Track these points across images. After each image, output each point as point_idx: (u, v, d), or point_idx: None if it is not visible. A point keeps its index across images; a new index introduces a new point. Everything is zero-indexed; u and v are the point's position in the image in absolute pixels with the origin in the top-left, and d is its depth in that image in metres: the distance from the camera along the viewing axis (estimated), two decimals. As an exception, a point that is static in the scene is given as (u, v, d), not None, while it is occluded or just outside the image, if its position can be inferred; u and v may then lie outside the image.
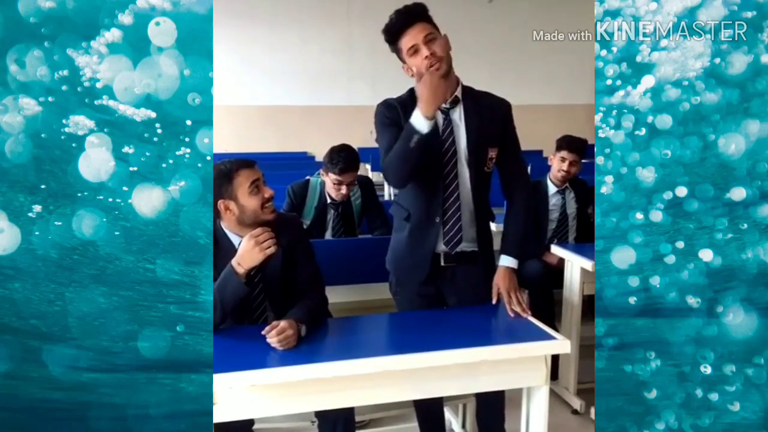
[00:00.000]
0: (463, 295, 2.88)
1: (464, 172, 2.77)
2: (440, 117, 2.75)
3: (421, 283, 2.85)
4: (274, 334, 2.36)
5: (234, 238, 2.68)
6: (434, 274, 2.83)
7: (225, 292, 2.53)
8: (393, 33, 2.68)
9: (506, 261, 2.84)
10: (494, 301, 2.77)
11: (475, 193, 2.79)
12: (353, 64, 10.43)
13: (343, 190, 4.02)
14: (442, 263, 2.83)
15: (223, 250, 2.65)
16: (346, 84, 10.47)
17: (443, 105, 2.73)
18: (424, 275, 2.82)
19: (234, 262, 2.56)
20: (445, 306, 2.94)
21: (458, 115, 2.78)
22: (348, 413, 2.57)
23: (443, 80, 2.59)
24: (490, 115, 2.80)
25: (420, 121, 2.55)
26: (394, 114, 2.76)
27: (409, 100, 2.77)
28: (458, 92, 2.78)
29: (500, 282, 2.78)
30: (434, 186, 2.75)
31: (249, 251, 2.55)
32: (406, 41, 2.66)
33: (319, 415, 2.63)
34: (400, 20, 2.66)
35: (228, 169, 2.64)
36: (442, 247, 2.80)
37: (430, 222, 2.79)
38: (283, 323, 2.39)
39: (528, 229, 2.90)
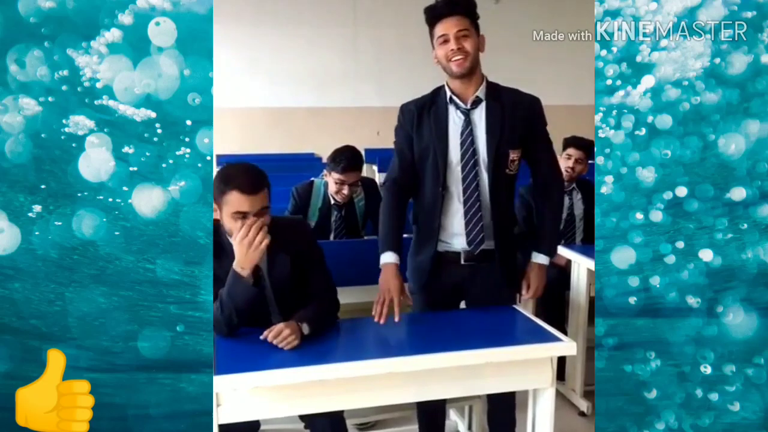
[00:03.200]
0: (479, 295, 2.90)
1: (483, 174, 2.78)
2: (460, 118, 2.77)
3: (430, 284, 2.87)
4: (272, 337, 2.37)
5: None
6: (450, 274, 2.85)
7: (236, 298, 2.47)
8: (432, 17, 2.73)
9: (539, 258, 2.89)
10: (526, 295, 2.81)
11: (492, 194, 2.79)
12: (359, 65, 10.43)
13: (345, 190, 4.02)
14: (462, 262, 2.83)
15: (230, 253, 2.62)
16: (352, 85, 10.46)
17: (463, 106, 2.76)
18: (426, 276, 2.85)
19: (235, 266, 2.48)
20: (459, 306, 2.98)
21: (479, 116, 2.78)
22: (336, 416, 2.56)
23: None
24: (513, 115, 2.79)
25: (383, 258, 2.78)
26: (408, 121, 2.82)
27: (429, 102, 2.81)
28: (481, 92, 2.79)
29: (534, 279, 2.84)
30: (440, 189, 2.77)
31: (244, 254, 2.46)
32: (440, 29, 2.70)
33: (308, 423, 2.62)
34: (441, 7, 2.70)
35: (227, 179, 2.51)
36: (462, 246, 2.81)
37: (432, 225, 2.81)
38: (280, 325, 2.40)
39: (559, 227, 2.95)
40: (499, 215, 2.82)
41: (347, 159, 3.98)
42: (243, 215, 2.48)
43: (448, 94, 2.78)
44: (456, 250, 2.82)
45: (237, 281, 2.48)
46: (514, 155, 2.80)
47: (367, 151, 7.33)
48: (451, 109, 2.78)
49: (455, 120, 2.77)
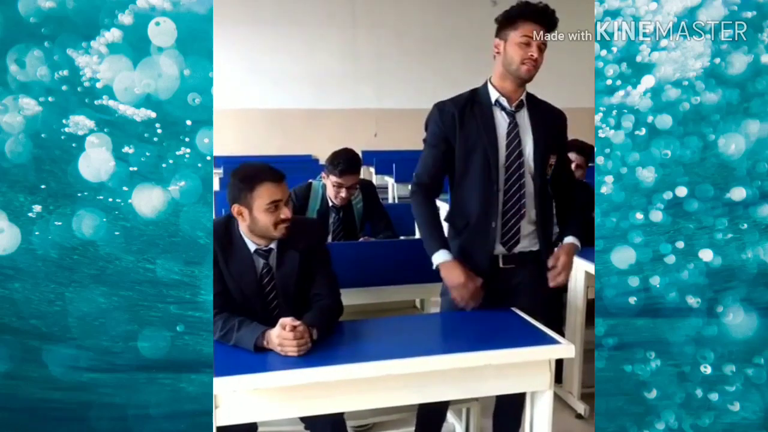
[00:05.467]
0: (520, 297, 2.86)
1: (528, 176, 2.78)
2: (505, 119, 2.77)
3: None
4: (296, 336, 2.29)
5: (249, 243, 2.66)
6: (491, 277, 2.81)
7: (236, 345, 2.39)
8: (525, 13, 2.69)
9: (571, 239, 2.89)
10: (551, 269, 2.79)
11: (538, 195, 2.80)
12: (358, 67, 10.42)
13: (343, 193, 4.02)
14: (501, 264, 2.82)
15: (238, 253, 2.65)
16: (351, 87, 10.45)
17: (509, 107, 2.77)
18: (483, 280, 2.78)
19: (263, 338, 2.35)
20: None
21: (523, 119, 2.80)
22: (337, 418, 2.55)
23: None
24: (551, 123, 2.84)
25: (434, 263, 2.73)
26: (446, 122, 2.78)
27: (470, 102, 2.80)
28: (523, 96, 2.80)
29: (565, 256, 2.80)
30: (495, 187, 2.75)
31: (277, 345, 2.32)
32: (527, 30, 2.67)
33: (308, 424, 2.62)
34: (539, 13, 2.68)
35: (252, 176, 2.59)
36: (499, 249, 2.80)
37: (487, 225, 2.77)
38: (303, 327, 2.33)
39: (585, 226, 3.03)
40: (544, 218, 2.83)
41: (345, 162, 3.98)
42: (276, 204, 2.56)
43: (494, 94, 2.78)
44: (494, 253, 2.81)
45: (248, 344, 2.37)
46: (552, 160, 2.84)
47: (364, 152, 7.33)
48: (496, 109, 2.78)
49: (500, 120, 2.77)
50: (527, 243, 2.83)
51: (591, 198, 4.35)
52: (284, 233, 2.63)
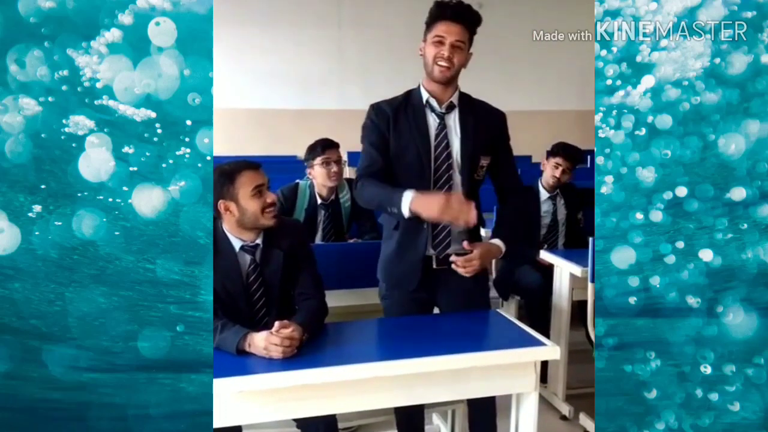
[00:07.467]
0: (454, 299, 2.88)
1: (456, 178, 2.78)
2: (435, 121, 2.79)
3: (412, 289, 2.85)
4: (282, 339, 2.30)
5: (234, 241, 2.68)
6: (425, 278, 2.83)
7: (220, 347, 2.38)
8: (437, 15, 2.71)
9: (496, 241, 2.85)
10: (461, 264, 2.72)
11: (465, 197, 2.72)
12: (344, 67, 10.37)
13: (334, 168, 4.05)
14: (434, 266, 2.83)
15: (223, 251, 2.65)
16: (337, 87, 10.39)
17: (438, 109, 2.78)
18: (416, 281, 2.82)
19: (246, 341, 2.36)
20: (434, 311, 2.96)
21: (453, 121, 2.80)
22: (330, 418, 2.56)
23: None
24: (485, 124, 2.83)
25: (405, 208, 2.55)
26: (382, 121, 2.80)
27: (403, 104, 2.81)
28: (455, 98, 2.81)
29: (481, 249, 2.74)
30: (430, 189, 2.74)
31: (262, 349, 2.32)
32: (440, 29, 2.69)
33: (300, 423, 2.62)
34: (450, 9, 2.69)
35: (231, 170, 2.64)
36: (431, 251, 2.82)
37: (419, 227, 2.78)
38: (294, 329, 2.35)
39: (518, 231, 3.00)
40: None
41: (322, 141, 4.10)
42: (260, 189, 2.63)
43: (425, 96, 2.80)
44: (428, 255, 2.82)
45: (231, 346, 2.38)
46: (484, 161, 2.83)
47: (351, 154, 7.31)
48: (428, 111, 2.80)
49: (431, 122, 2.79)
50: (458, 246, 2.82)
51: (577, 201, 4.41)
52: (273, 219, 2.67)
